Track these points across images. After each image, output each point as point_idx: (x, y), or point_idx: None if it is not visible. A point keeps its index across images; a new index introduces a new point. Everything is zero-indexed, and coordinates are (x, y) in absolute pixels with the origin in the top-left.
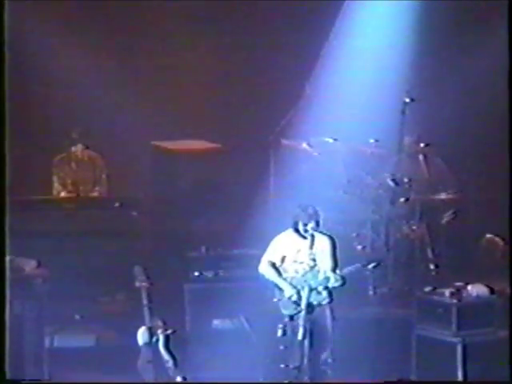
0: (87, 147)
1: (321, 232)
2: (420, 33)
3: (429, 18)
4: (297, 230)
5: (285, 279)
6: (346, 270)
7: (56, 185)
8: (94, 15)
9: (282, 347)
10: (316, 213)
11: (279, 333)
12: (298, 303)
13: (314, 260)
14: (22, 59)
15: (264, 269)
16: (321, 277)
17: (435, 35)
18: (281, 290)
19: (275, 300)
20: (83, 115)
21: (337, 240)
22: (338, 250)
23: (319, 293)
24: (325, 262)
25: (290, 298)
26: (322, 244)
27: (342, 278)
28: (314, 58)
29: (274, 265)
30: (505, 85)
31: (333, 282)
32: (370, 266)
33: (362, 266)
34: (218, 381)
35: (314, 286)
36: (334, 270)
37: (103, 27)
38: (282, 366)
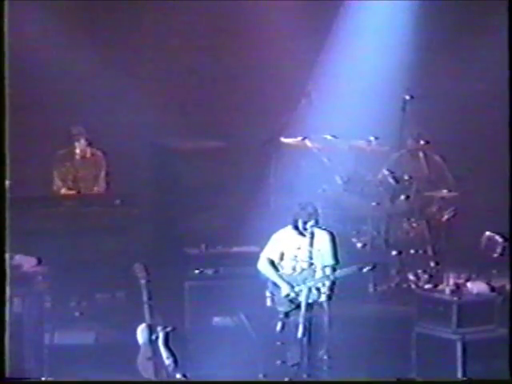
0: (90, 143)
1: (320, 228)
2: (421, 31)
3: (429, 16)
4: (296, 228)
5: (282, 277)
6: (342, 272)
7: (56, 180)
8: (96, 13)
9: (279, 343)
10: (315, 211)
11: (277, 330)
12: (293, 301)
13: (311, 258)
14: (23, 57)
15: (262, 266)
16: (317, 276)
17: (435, 34)
18: (277, 287)
19: (268, 296)
20: (84, 112)
21: (336, 236)
22: (338, 245)
23: (317, 291)
24: (324, 258)
25: (286, 296)
26: (322, 240)
27: (332, 281)
28: (315, 56)
29: (272, 262)
30: (505, 83)
31: (320, 285)
32: (366, 270)
33: (358, 270)
34: (217, 378)
35: (310, 284)
36: (334, 266)
37: (105, 24)
38: (278, 362)
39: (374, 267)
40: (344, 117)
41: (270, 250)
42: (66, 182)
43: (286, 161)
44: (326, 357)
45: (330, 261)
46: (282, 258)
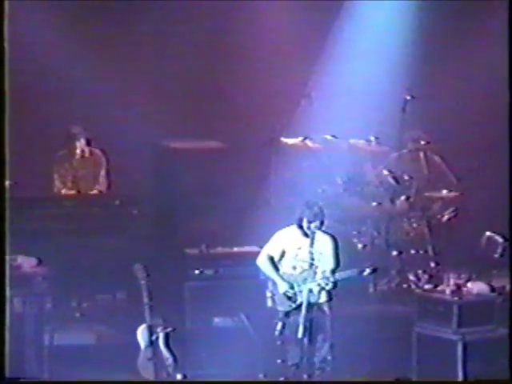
0: (89, 143)
1: (323, 231)
2: (421, 31)
3: (430, 16)
4: (300, 227)
5: (280, 275)
6: (342, 274)
7: (56, 182)
8: (96, 13)
9: (279, 342)
10: (321, 212)
11: (276, 330)
12: (292, 300)
13: (312, 259)
14: (23, 57)
15: (261, 261)
16: (318, 277)
17: (435, 34)
18: (276, 285)
19: (269, 295)
20: (85, 112)
21: (338, 239)
22: (339, 250)
23: (318, 292)
24: (325, 262)
25: (283, 293)
26: (324, 243)
27: (334, 283)
28: (316, 56)
29: (271, 259)
30: (505, 83)
31: (322, 286)
32: (366, 273)
33: (359, 273)
34: (217, 379)
35: (311, 285)
36: (334, 271)
37: (105, 25)
38: (279, 361)
39: (374, 271)
40: (344, 117)
41: (272, 247)
42: (65, 184)
43: (286, 161)
44: (329, 357)
45: (330, 264)
46: (282, 256)
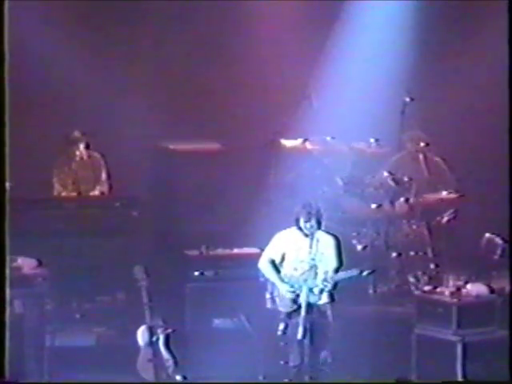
0: (88, 146)
1: (325, 231)
2: (421, 32)
3: (429, 17)
4: (300, 228)
5: (282, 278)
6: (343, 275)
7: (57, 186)
8: (95, 15)
9: (282, 343)
10: (318, 211)
11: (279, 331)
12: (294, 301)
13: (313, 260)
14: (23, 59)
15: (263, 265)
16: (319, 278)
17: (435, 36)
18: (277, 287)
19: (268, 296)
20: (84, 115)
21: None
22: (342, 249)
23: (318, 293)
24: (328, 262)
25: (286, 295)
26: (326, 243)
27: (333, 284)
28: (316, 57)
29: (273, 262)
30: (505, 84)
31: (321, 287)
32: (365, 274)
33: (359, 273)
34: (217, 380)
35: (311, 286)
36: (337, 270)
37: (105, 27)
38: (282, 362)
39: (373, 271)
40: (344, 119)
41: (272, 250)
42: (66, 188)
43: (286, 163)
44: (329, 359)
45: (334, 264)
46: (283, 258)
